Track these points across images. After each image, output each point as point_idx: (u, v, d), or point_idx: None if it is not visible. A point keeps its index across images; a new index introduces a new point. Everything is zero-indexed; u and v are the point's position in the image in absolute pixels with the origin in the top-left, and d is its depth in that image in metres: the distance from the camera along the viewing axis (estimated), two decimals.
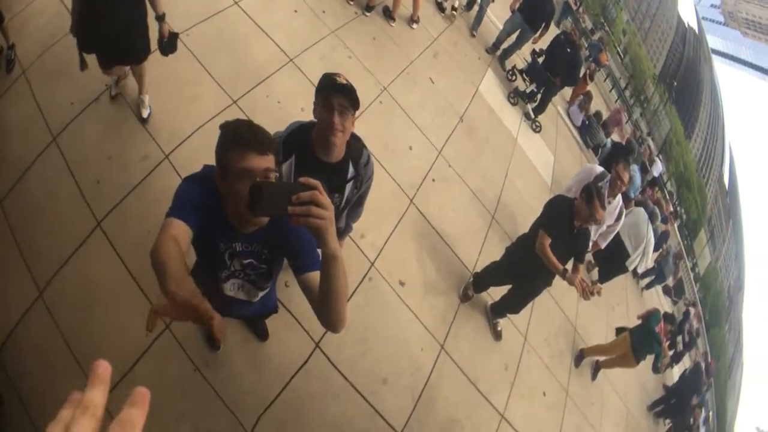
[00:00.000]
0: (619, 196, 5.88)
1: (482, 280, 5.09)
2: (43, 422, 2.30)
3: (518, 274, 4.76)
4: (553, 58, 8.54)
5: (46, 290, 3.52)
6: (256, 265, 2.09)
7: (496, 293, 5.16)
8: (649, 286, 10.80)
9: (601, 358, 6.54)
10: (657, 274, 10.75)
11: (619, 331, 6.73)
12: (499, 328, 5.23)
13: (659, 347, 6.49)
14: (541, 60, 8.83)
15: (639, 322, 6.63)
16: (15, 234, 3.73)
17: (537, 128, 8.76)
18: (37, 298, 3.49)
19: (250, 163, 1.67)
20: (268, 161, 1.71)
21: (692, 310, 12.83)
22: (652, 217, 7.73)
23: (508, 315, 5.22)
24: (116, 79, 4.32)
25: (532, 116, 8.75)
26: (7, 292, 3.61)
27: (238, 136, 1.71)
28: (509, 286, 4.98)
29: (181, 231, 1.68)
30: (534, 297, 5.00)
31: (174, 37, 4.06)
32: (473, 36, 8.58)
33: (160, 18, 3.84)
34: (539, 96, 8.83)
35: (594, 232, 5.70)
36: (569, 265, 4.31)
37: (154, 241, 1.56)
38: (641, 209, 7.50)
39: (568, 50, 8.45)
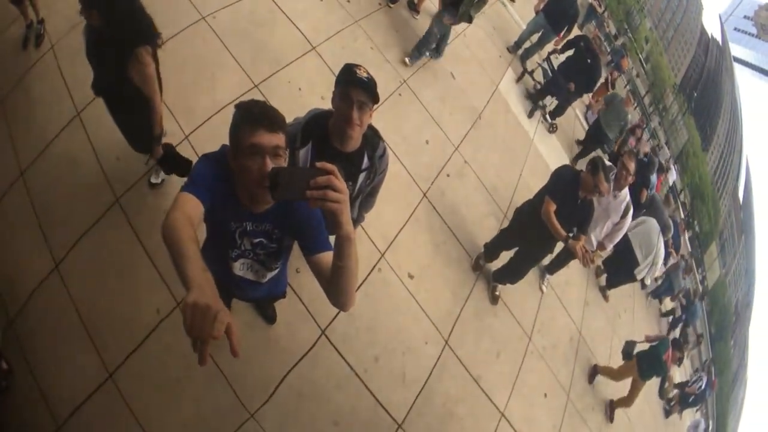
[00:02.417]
0: (626, 191, 5.82)
1: (492, 245, 5.24)
2: (51, 392, 2.36)
3: (523, 236, 4.89)
4: (572, 67, 8.15)
5: (61, 263, 3.57)
6: (266, 244, 2.12)
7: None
8: (657, 295, 10.70)
9: (615, 398, 6.56)
10: (665, 288, 10.68)
11: (626, 349, 6.71)
12: (497, 293, 5.34)
13: (665, 373, 6.50)
14: (560, 57, 8.52)
15: (647, 345, 6.62)
16: (35, 205, 3.79)
17: (553, 129, 8.75)
18: (53, 269, 3.55)
19: (259, 139, 1.71)
20: (277, 139, 1.75)
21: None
22: (664, 230, 7.75)
23: (508, 284, 5.30)
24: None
25: (549, 119, 8.74)
26: (23, 263, 3.66)
27: (250, 113, 1.75)
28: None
29: (194, 207, 1.71)
30: (534, 263, 5.24)
31: (174, 161, 3.64)
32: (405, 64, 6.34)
33: (154, 139, 3.40)
34: (556, 102, 8.75)
35: (600, 230, 5.71)
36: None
37: (167, 214, 1.58)
38: (653, 220, 7.47)
39: (589, 61, 8.00)
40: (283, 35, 5.33)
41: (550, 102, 8.78)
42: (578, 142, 9.52)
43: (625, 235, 6.47)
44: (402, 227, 4.85)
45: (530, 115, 8.34)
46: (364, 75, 2.33)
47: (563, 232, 4.29)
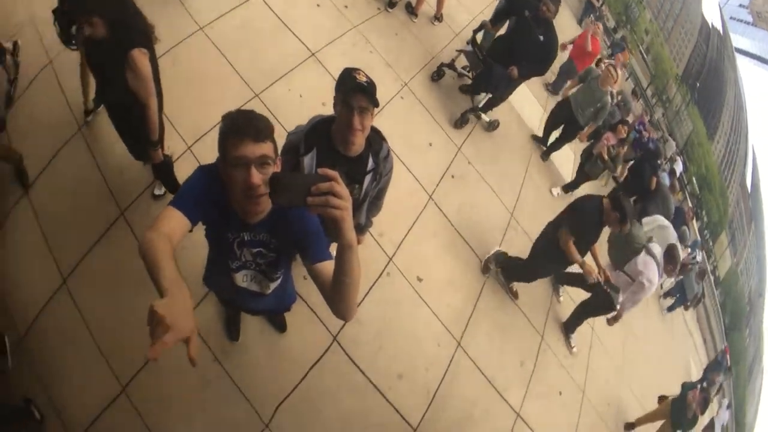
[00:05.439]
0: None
1: (509, 269, 5.31)
2: (65, 408, 2.34)
3: (542, 265, 5.11)
4: (512, 46, 5.80)
5: (69, 277, 3.57)
6: (266, 254, 2.12)
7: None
8: (671, 308, 10.63)
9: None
10: (679, 293, 10.61)
11: (661, 399, 6.84)
12: (515, 289, 5.41)
13: (687, 410, 6.52)
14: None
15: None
16: (40, 221, 3.79)
17: (492, 127, 6.73)
18: (62, 285, 3.54)
19: (244, 150, 1.70)
20: (264, 148, 1.74)
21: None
22: (681, 239, 7.84)
23: (522, 283, 5.42)
24: None
25: (486, 118, 6.64)
26: (31, 279, 3.66)
27: (234, 124, 1.75)
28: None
29: (175, 224, 1.74)
30: (546, 276, 5.53)
31: (166, 169, 3.74)
32: None
33: (152, 144, 3.37)
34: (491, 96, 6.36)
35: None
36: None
37: (146, 233, 1.61)
38: (672, 229, 7.47)
39: (541, 38, 5.59)
40: (282, 43, 5.33)
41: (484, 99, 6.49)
42: (535, 138, 7.75)
43: None
44: (409, 230, 4.84)
45: (459, 124, 6.28)
46: (364, 79, 2.32)
47: (581, 260, 4.62)
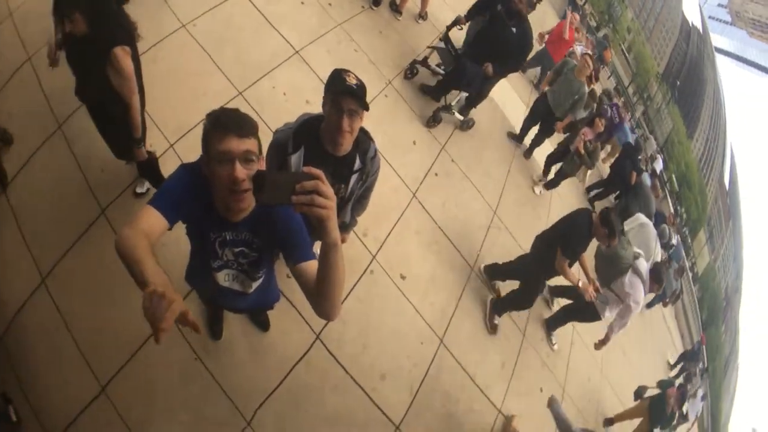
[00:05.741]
0: None
1: (496, 273, 5.40)
2: (44, 408, 2.33)
3: (536, 276, 5.08)
4: (486, 42, 5.58)
5: (48, 276, 3.53)
6: (248, 253, 2.11)
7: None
8: (650, 304, 10.75)
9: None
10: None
11: (638, 391, 7.02)
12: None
13: (667, 408, 6.60)
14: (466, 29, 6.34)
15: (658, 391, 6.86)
16: (18, 220, 3.75)
17: (467, 126, 6.47)
18: (40, 284, 3.51)
19: (228, 145, 1.71)
20: (248, 144, 1.75)
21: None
22: (661, 236, 7.92)
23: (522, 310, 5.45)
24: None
25: (462, 116, 6.38)
26: (9, 278, 3.62)
27: (218, 120, 1.76)
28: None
29: (153, 223, 1.73)
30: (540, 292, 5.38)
31: (151, 165, 3.72)
32: None
33: (135, 141, 3.35)
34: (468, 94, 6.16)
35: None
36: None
37: (122, 229, 1.62)
38: (652, 226, 7.54)
39: (514, 30, 5.36)
40: (266, 41, 5.29)
41: (458, 98, 6.36)
42: (511, 136, 7.62)
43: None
44: (392, 228, 4.84)
45: (431, 122, 6.05)
46: (354, 82, 2.31)
47: (576, 279, 4.77)
